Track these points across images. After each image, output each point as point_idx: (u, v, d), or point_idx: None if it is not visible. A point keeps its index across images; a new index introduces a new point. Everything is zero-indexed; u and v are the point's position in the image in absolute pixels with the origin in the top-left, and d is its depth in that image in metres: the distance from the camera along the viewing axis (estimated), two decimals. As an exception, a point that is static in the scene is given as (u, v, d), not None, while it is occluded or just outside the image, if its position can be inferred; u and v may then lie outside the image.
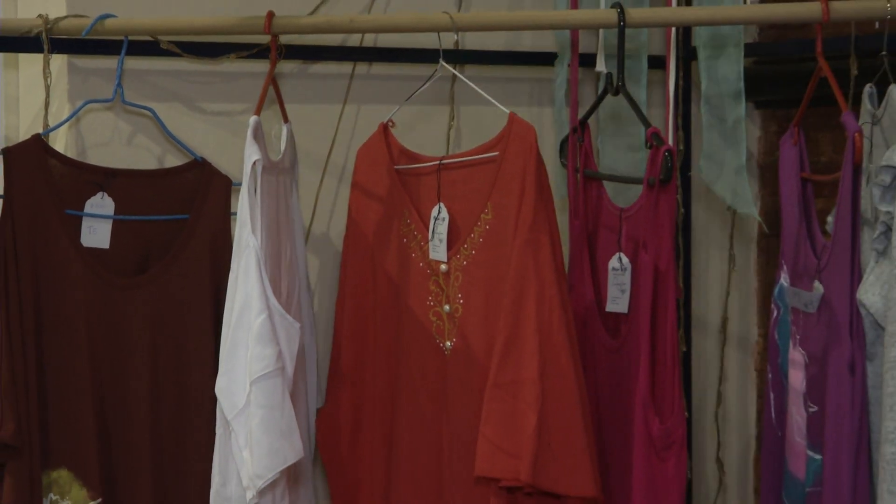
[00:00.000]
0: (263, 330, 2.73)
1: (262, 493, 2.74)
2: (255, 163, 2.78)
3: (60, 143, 3.02)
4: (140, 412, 2.92)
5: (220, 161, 3.06)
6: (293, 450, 2.76)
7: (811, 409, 2.94)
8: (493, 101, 2.98)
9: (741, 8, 3.37)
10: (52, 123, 2.95)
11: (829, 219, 3.04)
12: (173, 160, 3.09)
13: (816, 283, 2.92)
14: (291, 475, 2.85)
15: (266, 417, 2.72)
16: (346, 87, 3.31)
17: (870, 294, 2.78)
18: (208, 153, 3.06)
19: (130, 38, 2.96)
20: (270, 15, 2.92)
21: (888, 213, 2.76)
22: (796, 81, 3.17)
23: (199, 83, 3.16)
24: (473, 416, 2.91)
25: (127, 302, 2.92)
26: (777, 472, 3.10)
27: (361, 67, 3.33)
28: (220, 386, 2.75)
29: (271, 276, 2.78)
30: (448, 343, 3.00)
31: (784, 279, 3.08)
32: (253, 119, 2.83)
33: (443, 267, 3.00)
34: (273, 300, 2.76)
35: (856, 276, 2.81)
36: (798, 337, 3.01)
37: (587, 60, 3.44)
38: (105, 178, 2.97)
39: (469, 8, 3.44)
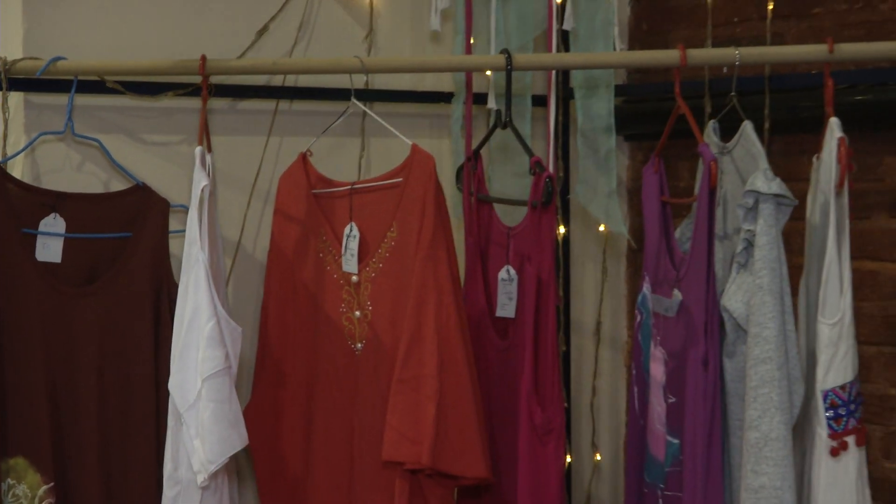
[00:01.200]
0: (213, 334, 2.73)
1: (210, 476, 2.75)
2: (203, 187, 2.76)
3: (17, 170, 3.00)
4: (88, 406, 2.90)
5: (159, 185, 3.05)
6: (240, 438, 2.77)
7: (670, 400, 2.95)
8: (398, 133, 2.99)
9: (612, 54, 3.38)
10: (9, 153, 2.94)
11: (676, 234, 3.05)
12: (118, 185, 3.08)
13: (676, 291, 2.94)
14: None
15: (216, 410, 2.72)
16: (270, 121, 3.30)
17: (733, 301, 2.82)
18: (148, 178, 3.05)
19: (80, 77, 2.94)
20: (203, 58, 2.91)
21: (749, 231, 2.78)
22: (659, 118, 3.16)
23: (141, 117, 3.14)
24: (380, 407, 2.92)
25: (77, 309, 2.91)
26: (640, 455, 3.11)
27: (284, 104, 3.32)
28: (173, 383, 2.75)
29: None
30: (359, 344, 3.01)
31: (646, 288, 3.08)
32: (198, 149, 2.82)
33: (354, 278, 3.01)
34: (220, 307, 2.76)
35: (711, 284, 2.83)
36: (659, 338, 3.02)
37: (480, 99, 3.44)
38: (57, 201, 2.95)
39: (377, 53, 3.45)
